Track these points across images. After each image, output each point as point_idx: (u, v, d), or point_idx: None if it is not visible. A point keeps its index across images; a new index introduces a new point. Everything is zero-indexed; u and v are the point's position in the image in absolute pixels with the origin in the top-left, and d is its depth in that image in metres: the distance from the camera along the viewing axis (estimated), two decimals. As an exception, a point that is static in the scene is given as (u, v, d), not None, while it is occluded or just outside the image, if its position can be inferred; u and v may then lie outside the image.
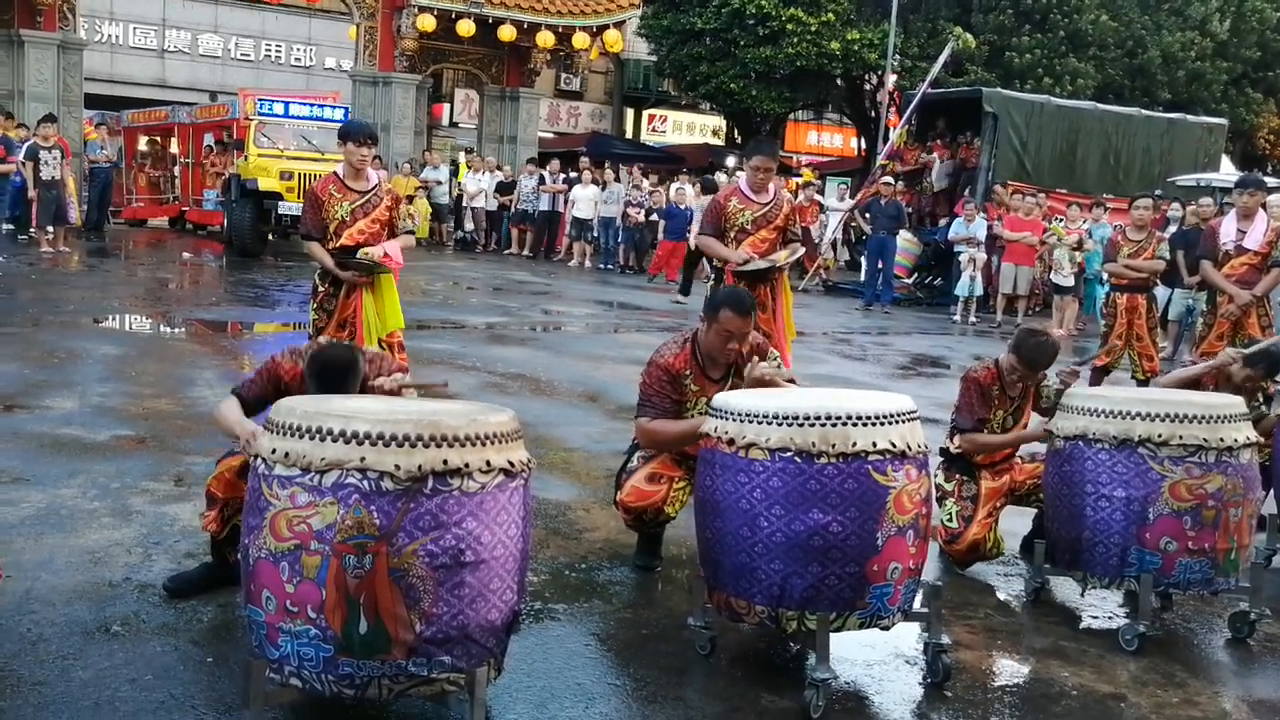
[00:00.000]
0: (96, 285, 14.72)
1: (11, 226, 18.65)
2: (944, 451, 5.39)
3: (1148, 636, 4.40)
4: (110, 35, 32.40)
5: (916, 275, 20.34)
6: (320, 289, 6.94)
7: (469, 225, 24.65)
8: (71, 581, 4.32)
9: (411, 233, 7.13)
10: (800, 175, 25.84)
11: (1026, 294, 17.30)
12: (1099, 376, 9.66)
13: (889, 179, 19.20)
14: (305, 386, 3.95)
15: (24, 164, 17.35)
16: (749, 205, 7.44)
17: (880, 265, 18.37)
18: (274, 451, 3.12)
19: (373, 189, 6.85)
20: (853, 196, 21.60)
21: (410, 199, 20.46)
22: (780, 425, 3.67)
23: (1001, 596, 5.05)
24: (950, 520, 5.21)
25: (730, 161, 29.47)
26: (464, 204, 24.57)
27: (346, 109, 22.37)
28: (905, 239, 19.17)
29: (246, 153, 19.70)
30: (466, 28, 24.50)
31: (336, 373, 3.87)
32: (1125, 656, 4.34)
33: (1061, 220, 16.79)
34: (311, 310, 7.06)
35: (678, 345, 4.73)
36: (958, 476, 5.30)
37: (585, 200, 21.85)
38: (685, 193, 20.74)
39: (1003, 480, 5.34)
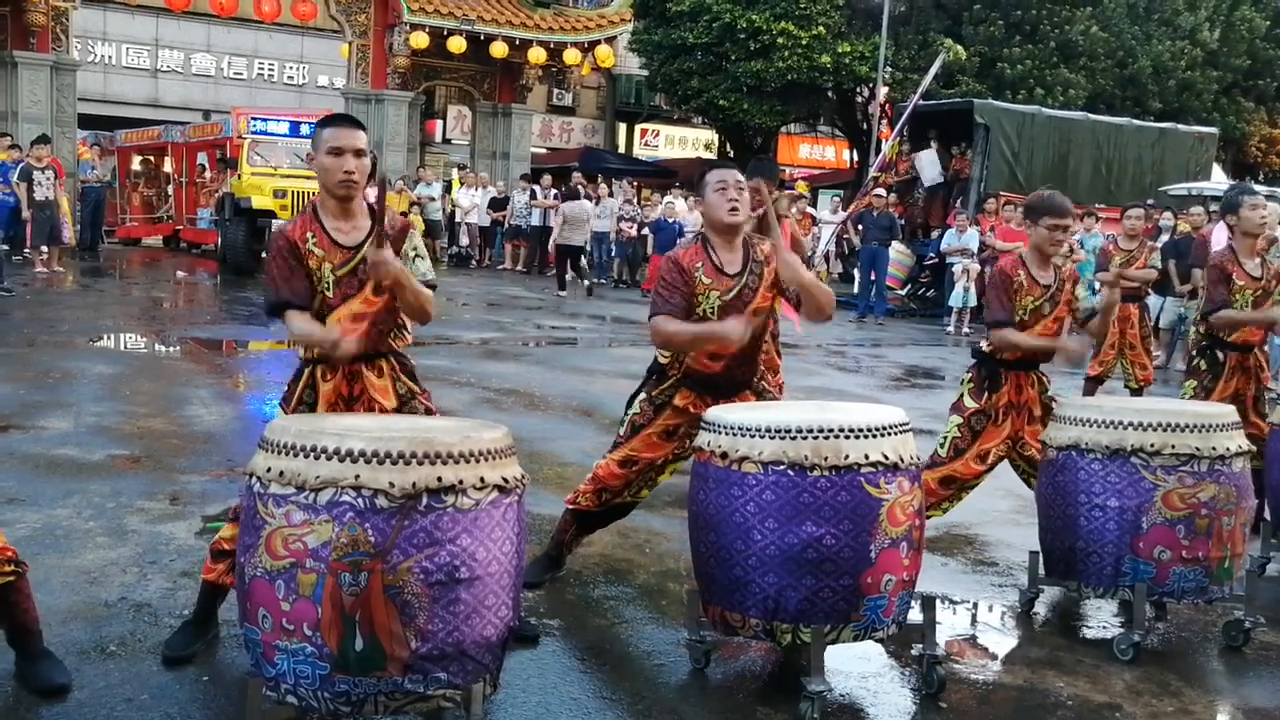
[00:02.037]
0: (91, 305, 14.74)
1: (6, 247, 18.67)
2: (976, 353, 5.33)
3: (1142, 646, 4.41)
4: (104, 56, 32.49)
5: (909, 287, 20.38)
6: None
7: (463, 241, 24.71)
8: (67, 602, 4.32)
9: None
10: (793, 188, 25.90)
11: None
12: (1092, 386, 9.68)
13: (881, 191, 19.27)
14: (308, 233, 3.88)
15: (18, 185, 17.37)
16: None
17: (873, 276, 18.43)
18: (268, 470, 3.13)
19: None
20: (845, 209, 21.66)
21: (404, 215, 20.50)
22: (772, 438, 3.68)
23: (996, 607, 5.06)
24: (943, 445, 5.20)
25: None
26: (457, 220, 24.62)
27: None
28: (898, 250, 19.23)
29: (240, 171, 19.75)
30: (458, 45, 24.57)
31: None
32: (1120, 666, 4.35)
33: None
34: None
35: (689, 243, 4.66)
36: (983, 399, 5.19)
37: (578, 215, 21.90)
38: (675, 206, 20.87)
39: (1022, 396, 5.23)
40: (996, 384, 5.19)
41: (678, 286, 4.44)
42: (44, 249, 17.40)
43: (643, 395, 4.74)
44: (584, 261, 20.71)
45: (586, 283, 20.13)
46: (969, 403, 5.21)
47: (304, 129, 20.95)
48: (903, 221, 20.24)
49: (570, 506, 4.85)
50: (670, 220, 20.16)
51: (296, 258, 3.88)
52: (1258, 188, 12.62)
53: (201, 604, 4.03)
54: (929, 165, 20.31)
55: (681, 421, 4.60)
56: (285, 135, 20.57)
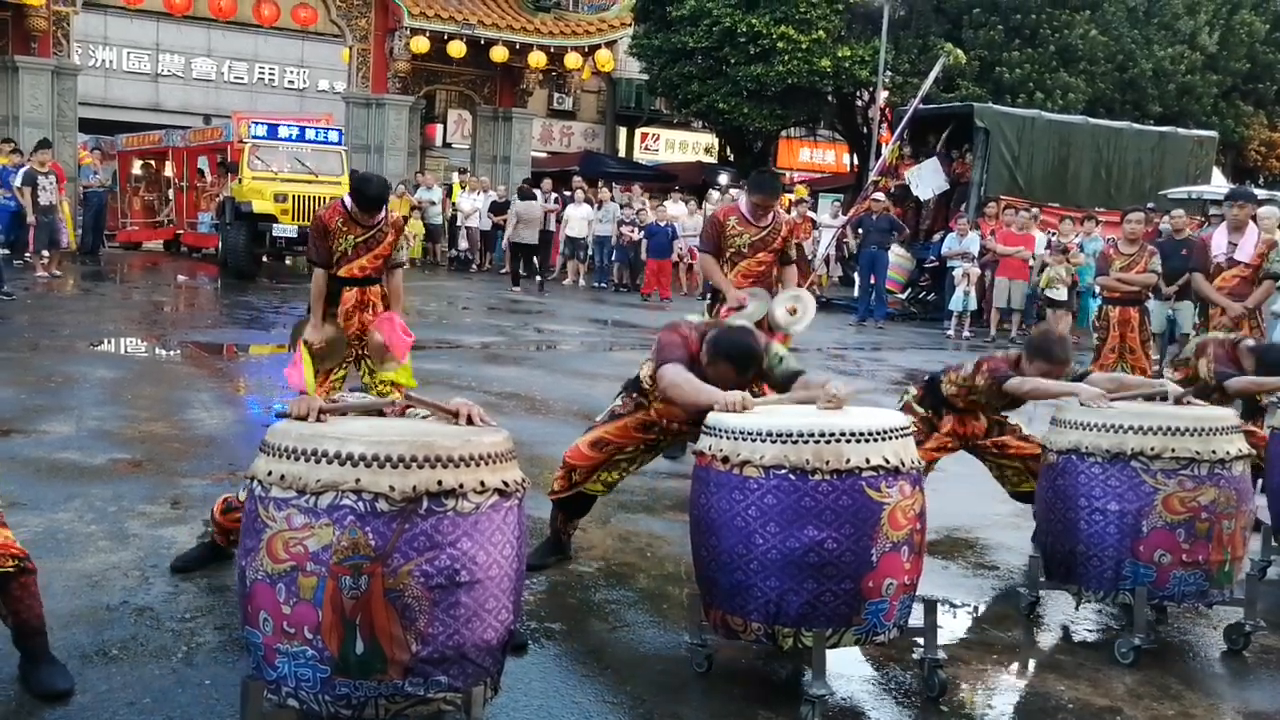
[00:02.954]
0: (92, 309, 14.74)
1: (6, 251, 18.68)
2: (931, 386, 5.45)
3: (1143, 649, 4.41)
4: (104, 60, 32.48)
5: (909, 290, 20.38)
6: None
7: (463, 245, 24.71)
8: (69, 606, 4.32)
9: (403, 264, 7.05)
10: (793, 192, 25.91)
11: (1020, 308, 17.33)
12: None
13: (880, 195, 19.26)
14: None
15: (19, 190, 17.37)
16: (748, 229, 7.35)
17: (873, 280, 18.42)
18: (269, 474, 3.14)
19: (378, 223, 6.79)
20: (845, 213, 21.66)
21: (406, 219, 20.57)
22: (774, 442, 3.68)
23: (997, 611, 5.06)
24: None
25: (723, 179, 29.55)
26: (458, 224, 24.63)
27: (340, 131, 22.43)
28: (898, 254, 19.22)
29: (240, 175, 19.75)
30: (459, 49, 24.58)
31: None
32: (1121, 669, 4.36)
33: (1058, 267, 16.46)
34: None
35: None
36: (928, 411, 5.39)
37: (578, 219, 21.92)
38: (666, 210, 20.96)
39: (966, 428, 5.42)
40: (940, 416, 5.40)
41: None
42: (45, 253, 17.40)
43: (624, 393, 5.02)
44: (536, 260, 21.30)
45: (539, 278, 20.74)
46: (917, 409, 5.43)
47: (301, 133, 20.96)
48: (903, 225, 20.25)
49: (550, 496, 5.14)
50: (663, 224, 20.20)
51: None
52: (1259, 192, 12.62)
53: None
54: (930, 175, 20.23)
55: (657, 420, 4.87)
56: (286, 139, 20.55)
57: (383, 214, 6.84)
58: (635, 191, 23.58)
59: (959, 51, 25.85)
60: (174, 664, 3.90)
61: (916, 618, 3.98)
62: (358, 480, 3.04)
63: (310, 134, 20.91)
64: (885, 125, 24.14)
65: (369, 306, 6.85)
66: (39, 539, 5.05)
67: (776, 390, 4.63)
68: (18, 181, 17.36)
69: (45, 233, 17.37)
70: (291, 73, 35.13)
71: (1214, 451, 4.41)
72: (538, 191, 21.43)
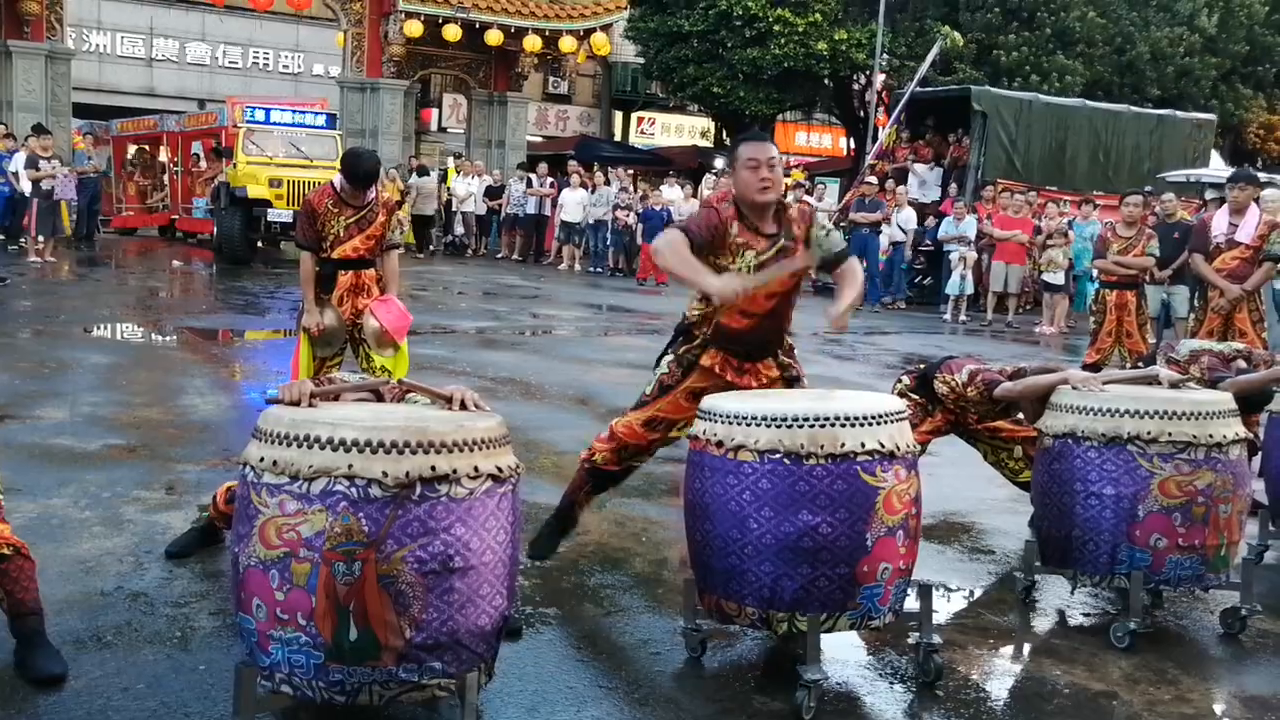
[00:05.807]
0: (87, 294, 14.71)
1: (2, 237, 18.64)
2: (925, 378, 5.45)
3: (1139, 634, 4.41)
4: (98, 44, 32.36)
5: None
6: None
7: (458, 229, 24.68)
8: (63, 591, 4.31)
9: (398, 246, 7.00)
10: (790, 175, 25.83)
11: (1017, 292, 17.32)
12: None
13: (873, 179, 19.21)
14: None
15: (12, 174, 17.33)
16: None
17: (864, 265, 18.39)
18: (262, 460, 3.12)
19: (369, 203, 6.70)
20: (842, 197, 21.63)
21: (399, 204, 20.53)
22: (769, 427, 3.67)
23: (993, 595, 5.05)
24: None
25: (719, 163, 29.49)
26: (454, 208, 24.59)
27: (335, 115, 22.37)
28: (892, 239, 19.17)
29: (235, 160, 19.71)
30: (453, 33, 24.52)
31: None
32: (1117, 654, 4.35)
33: (1057, 250, 16.44)
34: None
35: (723, 202, 4.63)
36: (921, 399, 5.43)
37: (573, 204, 21.88)
38: (661, 195, 20.95)
39: (959, 417, 5.49)
40: (932, 407, 5.45)
41: (706, 225, 4.42)
42: (39, 239, 17.37)
43: (670, 355, 4.70)
44: (432, 230, 23.55)
45: (430, 247, 22.73)
46: (911, 396, 5.46)
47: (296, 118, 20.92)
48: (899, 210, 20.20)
49: (587, 464, 4.83)
50: (658, 209, 20.16)
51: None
52: (1260, 175, 12.57)
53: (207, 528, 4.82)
54: (919, 184, 20.25)
55: (707, 384, 4.53)
56: (281, 124, 20.50)
57: (373, 194, 6.78)
58: (622, 175, 23.46)
59: (956, 34, 25.76)
60: (168, 649, 3.89)
61: (912, 602, 3.98)
62: (350, 466, 3.02)
63: (305, 118, 20.87)
64: (882, 109, 24.08)
65: (364, 290, 6.81)
66: (33, 524, 5.04)
67: (822, 270, 4.74)
68: (12, 166, 17.32)
69: (48, 218, 17.34)
70: (286, 57, 35.01)
71: (1211, 435, 4.40)
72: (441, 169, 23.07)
